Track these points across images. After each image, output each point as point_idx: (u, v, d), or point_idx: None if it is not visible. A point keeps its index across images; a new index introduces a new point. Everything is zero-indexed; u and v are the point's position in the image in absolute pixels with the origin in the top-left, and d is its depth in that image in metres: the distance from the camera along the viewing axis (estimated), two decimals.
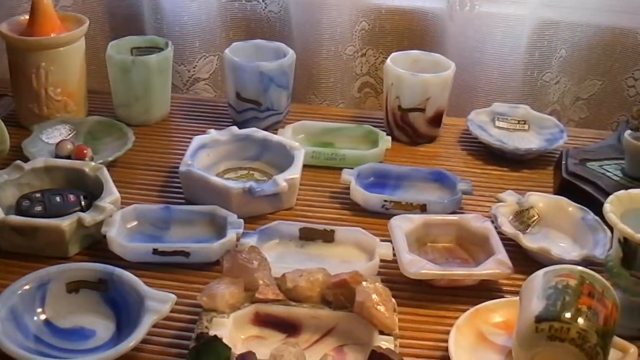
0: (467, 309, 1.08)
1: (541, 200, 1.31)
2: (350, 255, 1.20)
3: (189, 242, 1.19)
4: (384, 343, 0.98)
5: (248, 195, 1.26)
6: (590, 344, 0.92)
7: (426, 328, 1.09)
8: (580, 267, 1.01)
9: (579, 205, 1.29)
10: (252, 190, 1.26)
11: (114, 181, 1.29)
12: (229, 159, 1.41)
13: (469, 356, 1.02)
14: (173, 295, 1.05)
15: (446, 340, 1.03)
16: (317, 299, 1.05)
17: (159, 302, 1.04)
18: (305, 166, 1.39)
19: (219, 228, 1.23)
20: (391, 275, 1.18)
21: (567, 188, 1.35)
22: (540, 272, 1.01)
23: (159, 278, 1.16)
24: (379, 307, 1.00)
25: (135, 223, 1.25)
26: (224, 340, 0.97)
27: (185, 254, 1.17)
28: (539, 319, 0.94)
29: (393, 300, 1.04)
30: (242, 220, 1.22)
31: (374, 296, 1.01)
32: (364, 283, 1.02)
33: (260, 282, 1.05)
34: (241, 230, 1.20)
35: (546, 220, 1.29)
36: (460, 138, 1.58)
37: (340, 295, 1.03)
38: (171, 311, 1.07)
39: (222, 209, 1.24)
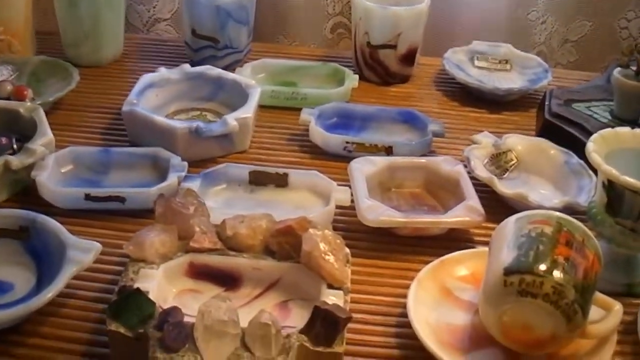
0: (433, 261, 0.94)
1: (520, 143, 1.16)
2: (305, 201, 1.06)
3: (128, 188, 1.05)
4: (332, 298, 0.84)
5: (195, 137, 1.12)
6: (567, 300, 0.78)
7: (385, 282, 0.96)
8: (557, 213, 0.87)
9: (561, 148, 1.15)
10: (199, 130, 1.11)
11: (55, 124, 1.16)
12: (180, 100, 1.26)
13: (431, 313, 0.89)
14: (98, 244, 0.91)
15: (406, 296, 0.89)
16: (259, 249, 0.91)
17: (82, 251, 0.90)
18: (263, 107, 1.25)
19: (162, 172, 1.08)
20: (349, 224, 1.04)
21: (550, 131, 1.21)
22: (512, 219, 0.87)
23: (92, 226, 1.02)
24: (327, 257, 0.86)
25: (70, 167, 1.11)
26: (152, 295, 0.83)
27: (121, 199, 1.03)
28: (508, 271, 0.80)
29: (346, 250, 0.90)
30: (185, 163, 1.08)
31: (322, 245, 0.86)
32: (311, 230, 0.87)
33: (197, 229, 0.91)
34: (183, 174, 1.05)
35: (525, 164, 1.15)
36: (436, 78, 1.43)
37: (285, 243, 0.89)
38: (101, 262, 0.94)
39: (165, 151, 1.10)
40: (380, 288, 0.95)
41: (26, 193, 1.08)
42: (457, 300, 0.91)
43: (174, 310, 0.80)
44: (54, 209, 1.03)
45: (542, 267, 0.79)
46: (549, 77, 1.37)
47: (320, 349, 0.79)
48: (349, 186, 1.04)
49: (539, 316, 0.79)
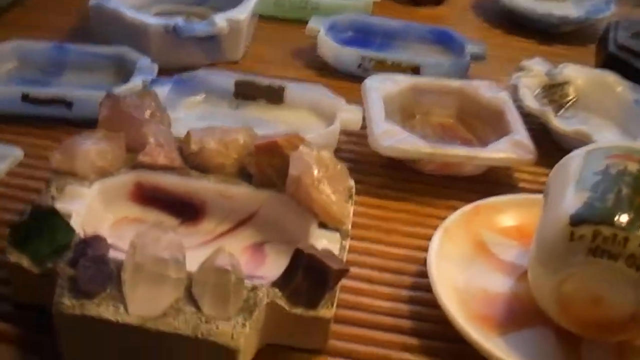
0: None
1: (580, 75, 0.89)
2: (303, 122, 0.79)
3: (77, 90, 0.78)
4: (324, 242, 0.57)
5: (172, 37, 0.85)
6: None
7: (399, 230, 0.69)
8: None
9: (631, 84, 0.87)
10: (178, 29, 0.85)
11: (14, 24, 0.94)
12: (163, 1, 0.99)
13: (459, 274, 0.62)
14: (18, 151, 0.65)
15: (427, 249, 0.62)
16: (233, 170, 0.64)
17: None
18: (265, 18, 0.99)
19: (127, 76, 0.81)
20: (358, 154, 0.77)
21: (614, 66, 0.93)
22: (580, 151, 0.60)
23: (28, 135, 0.76)
24: (322, 186, 0.59)
25: (14, 64, 0.85)
26: (77, 220, 0.58)
27: (67, 104, 0.77)
28: (576, 220, 0.53)
29: (350, 182, 0.64)
30: (155, 65, 0.81)
31: (316, 169, 0.60)
32: (302, 148, 0.60)
33: (150, 139, 0.64)
34: (151, 77, 0.79)
35: (586, 101, 0.88)
36: (476, 1, 1.16)
37: (267, 165, 0.63)
38: (28, 178, 0.68)
39: (132, 52, 0.84)
40: (392, 237, 0.68)
41: None
42: (496, 260, 0.64)
43: (96, 240, 0.53)
44: None
45: (626, 217, 0.52)
46: (612, 8, 1.09)
47: (298, 311, 0.53)
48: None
49: (617, 286, 0.53)
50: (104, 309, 0.50)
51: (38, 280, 0.54)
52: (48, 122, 0.78)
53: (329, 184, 0.60)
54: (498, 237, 0.66)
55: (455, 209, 0.69)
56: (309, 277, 0.53)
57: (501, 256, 0.64)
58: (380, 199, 0.72)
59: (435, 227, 0.66)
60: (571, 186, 0.57)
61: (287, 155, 0.62)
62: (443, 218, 0.68)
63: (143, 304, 0.51)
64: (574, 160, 0.60)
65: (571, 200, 0.55)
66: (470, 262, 0.63)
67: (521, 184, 0.76)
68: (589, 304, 0.54)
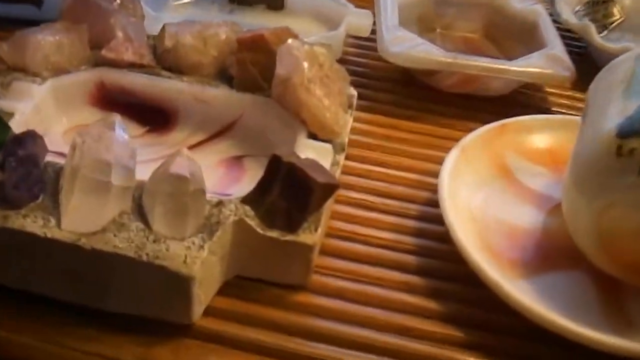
0: None
1: None
2: (307, 29, 0.67)
3: None
4: (312, 154, 0.46)
5: None
6: None
7: (409, 152, 0.57)
8: None
9: None
10: None
11: None
12: None
13: (476, 202, 0.50)
14: None
15: (439, 174, 0.51)
16: (211, 71, 0.53)
17: None
18: None
19: None
20: (367, 67, 0.65)
21: None
22: (629, 55, 0.48)
23: None
24: (313, 87, 0.48)
25: None
26: (21, 121, 0.48)
27: (36, 2, 0.65)
28: (625, 131, 0.42)
29: (351, 90, 0.52)
30: None
31: (306, 68, 0.48)
32: (291, 41, 0.49)
33: (118, 33, 0.53)
34: None
35: (633, 23, 0.74)
36: None
37: (251, 63, 0.51)
38: None
39: None
40: (400, 159, 0.56)
41: None
42: (522, 188, 0.52)
43: (30, 138, 0.42)
44: None
45: None
46: None
47: (274, 234, 0.42)
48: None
49: None
50: (31, 222, 0.39)
51: None
52: (15, 25, 0.66)
53: (321, 86, 0.48)
54: (525, 161, 0.54)
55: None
56: (288, 192, 0.42)
57: (528, 184, 0.53)
58: (388, 117, 0.60)
59: (449, 150, 0.55)
60: (618, 94, 0.44)
61: (274, 51, 0.50)
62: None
63: (79, 217, 0.40)
64: (622, 65, 0.47)
65: (618, 110, 0.43)
66: (490, 189, 0.51)
67: (554, 108, 0.64)
68: (638, 240, 0.42)
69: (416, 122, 0.60)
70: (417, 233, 0.50)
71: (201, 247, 0.40)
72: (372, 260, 0.47)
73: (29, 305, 0.41)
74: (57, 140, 0.50)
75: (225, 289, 0.43)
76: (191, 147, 0.51)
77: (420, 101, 0.62)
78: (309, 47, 0.49)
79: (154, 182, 0.41)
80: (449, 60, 0.58)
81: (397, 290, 0.46)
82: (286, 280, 0.44)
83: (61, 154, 0.46)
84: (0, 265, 0.41)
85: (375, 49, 0.62)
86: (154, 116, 0.52)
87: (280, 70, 0.49)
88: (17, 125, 0.46)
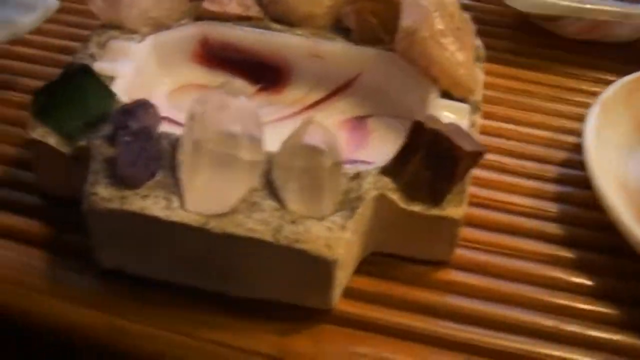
0: None
1: None
2: None
3: None
4: (448, 115, 0.41)
5: None
6: None
7: (539, 106, 0.52)
8: None
9: None
10: None
11: None
12: None
13: (625, 166, 0.45)
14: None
15: (575, 132, 0.46)
16: (325, 22, 0.47)
17: (21, 7, 0.48)
18: None
19: None
20: (481, 11, 0.59)
21: None
22: None
23: None
24: (445, 41, 0.42)
25: None
26: (121, 86, 0.43)
27: None
28: None
29: (477, 41, 0.46)
30: None
31: (437, 20, 0.42)
32: None
33: None
34: None
35: None
36: None
37: (371, 14, 0.46)
38: (65, 36, 0.53)
39: None
40: (529, 115, 0.51)
41: None
42: None
43: (142, 108, 0.38)
44: None
45: None
46: None
47: (417, 208, 0.37)
48: None
49: None
50: (152, 203, 0.35)
51: (68, 163, 0.39)
52: None
53: (454, 40, 0.43)
54: None
55: (605, 82, 0.52)
56: (431, 161, 0.37)
57: None
58: (510, 67, 0.54)
59: (581, 104, 0.50)
60: None
61: (396, 0, 0.45)
62: (591, 93, 0.51)
63: (205, 197, 0.35)
64: None
65: None
66: (638, 151, 0.46)
67: None
68: None
69: (539, 72, 0.54)
70: (559, 198, 0.44)
71: (343, 227, 0.35)
72: (514, 229, 0.42)
73: (151, 293, 0.37)
74: (160, 102, 0.45)
75: (361, 267, 0.39)
76: (308, 107, 0.46)
77: (542, 48, 0.56)
78: None
79: (285, 155, 0.36)
80: (578, 5, 0.52)
81: (543, 263, 0.41)
82: (427, 256, 0.40)
83: (168, 119, 0.42)
84: (118, 250, 0.37)
85: None
86: (264, 73, 0.47)
87: (406, 21, 0.43)
88: (120, 90, 0.41)
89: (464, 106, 0.42)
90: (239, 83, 0.38)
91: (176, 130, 0.39)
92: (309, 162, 0.35)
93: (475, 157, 0.37)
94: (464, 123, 0.41)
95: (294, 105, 0.46)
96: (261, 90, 0.47)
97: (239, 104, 0.36)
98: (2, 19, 0.47)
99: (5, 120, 0.47)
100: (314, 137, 0.35)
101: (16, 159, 0.44)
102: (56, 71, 0.49)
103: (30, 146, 0.40)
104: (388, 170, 0.38)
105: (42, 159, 0.40)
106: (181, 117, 0.42)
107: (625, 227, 0.39)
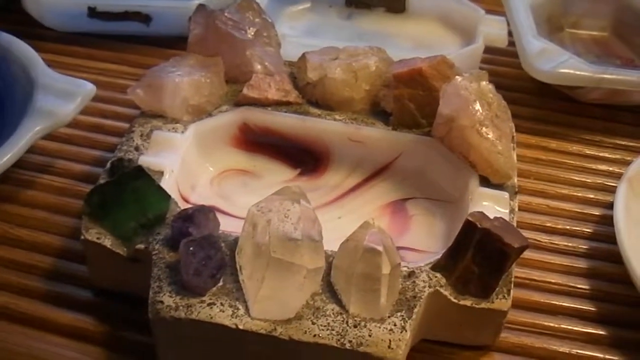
0: None
1: None
2: (431, 35, 0.63)
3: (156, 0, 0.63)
4: (491, 205, 0.43)
5: None
6: None
7: (565, 178, 0.54)
8: None
9: None
10: None
11: None
12: None
13: None
14: (89, 86, 0.50)
15: (600, 204, 0.48)
16: (363, 107, 0.49)
17: (60, 96, 0.50)
18: None
19: None
20: (502, 77, 0.61)
21: None
22: None
23: (100, 59, 0.62)
24: (485, 130, 0.44)
25: None
26: (169, 179, 0.44)
27: (144, 18, 0.62)
28: None
29: (511, 125, 0.48)
30: None
31: (477, 109, 0.44)
32: (458, 79, 0.45)
33: (257, 66, 0.50)
34: None
35: None
36: None
37: (408, 99, 0.48)
38: (100, 116, 0.56)
39: None
40: (556, 187, 0.53)
41: (8, 8, 0.66)
42: None
43: (201, 213, 0.40)
44: (40, 30, 0.64)
45: None
46: None
47: (468, 302, 0.39)
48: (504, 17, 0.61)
49: None
50: (219, 311, 0.37)
51: (124, 262, 0.41)
52: (122, 42, 0.63)
53: (493, 128, 0.45)
54: None
55: (625, 148, 0.55)
56: (481, 258, 0.39)
57: None
58: (535, 136, 0.56)
59: (604, 174, 0.53)
60: None
61: (433, 86, 0.47)
62: (612, 161, 0.54)
63: (269, 303, 0.37)
64: None
65: None
66: None
67: None
68: None
69: (562, 140, 0.56)
70: (594, 275, 0.47)
71: (403, 328, 0.37)
72: (550, 308, 0.45)
73: None
74: (204, 191, 0.47)
75: (410, 354, 0.41)
76: (349, 191, 0.48)
77: (563, 115, 0.58)
78: (476, 85, 0.45)
79: (345, 259, 0.38)
80: (599, 76, 0.54)
81: (579, 342, 0.43)
82: (474, 342, 0.42)
83: (216, 209, 0.43)
84: (183, 354, 0.39)
85: (508, 55, 0.58)
86: (304, 158, 0.49)
87: (445, 109, 0.45)
88: (169, 186, 0.43)
89: (504, 194, 0.44)
90: (296, 188, 0.39)
91: (226, 221, 0.40)
92: (368, 267, 0.37)
93: (521, 251, 0.40)
94: (504, 211, 0.43)
95: (334, 190, 0.48)
96: (301, 174, 0.49)
97: (299, 209, 0.38)
98: (44, 108, 0.48)
99: (48, 208, 0.48)
100: (373, 241, 0.37)
101: (64, 250, 0.46)
102: (92, 152, 0.51)
103: (85, 245, 0.42)
104: (439, 266, 0.40)
105: (96, 258, 0.42)
106: (225, 205, 0.44)
107: None
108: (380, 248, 0.37)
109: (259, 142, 0.49)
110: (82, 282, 0.44)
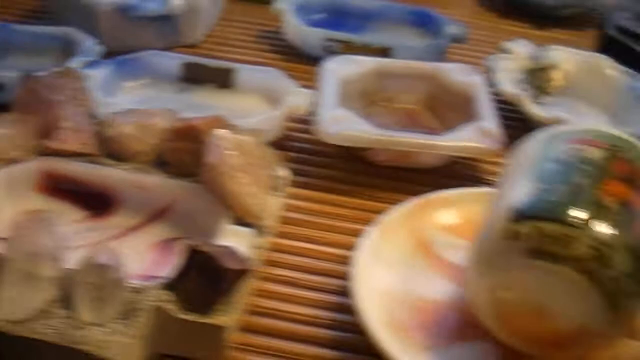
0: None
1: (569, 59, 0.80)
2: (253, 107, 0.72)
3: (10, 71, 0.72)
4: (232, 239, 0.50)
5: (123, 17, 0.79)
6: (614, 272, 0.44)
7: (339, 227, 0.61)
8: (615, 131, 0.51)
9: (624, 68, 0.78)
10: (129, 8, 0.78)
11: None
12: None
13: (392, 277, 0.54)
14: None
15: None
16: (150, 158, 0.57)
17: None
18: None
19: (72, 58, 0.75)
20: (307, 143, 0.69)
21: (612, 50, 0.84)
22: (541, 134, 0.52)
23: None
24: (239, 175, 0.53)
25: None
26: None
27: None
28: (519, 215, 0.45)
29: (282, 172, 0.57)
30: (99, 48, 0.74)
31: (232, 157, 0.53)
32: (218, 131, 0.54)
33: (63, 123, 0.58)
34: (90, 59, 0.72)
35: (575, 88, 0.79)
36: None
37: (185, 152, 0.56)
38: None
39: (79, 33, 0.77)
40: (329, 235, 0.60)
41: None
42: (439, 263, 0.56)
43: None
44: None
45: (578, 212, 0.44)
46: None
47: (190, 317, 0.46)
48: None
49: (563, 295, 0.45)
50: None
51: None
52: None
53: (249, 174, 0.53)
54: (448, 236, 0.58)
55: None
56: (203, 278, 0.46)
57: (448, 258, 0.56)
58: (323, 193, 0.64)
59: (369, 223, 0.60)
60: (523, 175, 0.49)
61: (205, 141, 0.55)
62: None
63: (10, 306, 0.44)
64: (533, 143, 0.51)
65: (519, 192, 0.47)
66: (409, 264, 0.55)
67: (488, 177, 0.68)
68: (531, 315, 0.46)
69: (349, 196, 0.64)
70: (333, 307, 0.54)
71: (121, 332, 0.44)
72: (291, 335, 0.51)
73: None
74: (2, 227, 0.55)
75: None
76: (128, 231, 0.56)
77: (356, 175, 0.66)
78: (234, 137, 0.53)
79: (79, 272, 0.45)
80: (379, 137, 0.63)
81: None
82: (201, 357, 0.48)
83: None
84: None
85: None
86: (95, 201, 0.57)
87: (208, 159, 0.53)
88: None
89: (248, 231, 0.51)
90: (72, 214, 0.47)
91: None
92: (96, 278, 0.44)
93: (239, 275, 0.47)
94: (246, 246, 0.50)
95: (115, 229, 0.55)
96: (91, 216, 0.57)
97: (50, 229, 0.46)
98: None
99: None
100: (102, 257, 0.45)
101: None
102: None
103: None
104: (169, 285, 0.47)
105: None
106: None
107: (369, 329, 0.48)
108: (107, 263, 0.45)
109: (57, 188, 0.57)
110: None
